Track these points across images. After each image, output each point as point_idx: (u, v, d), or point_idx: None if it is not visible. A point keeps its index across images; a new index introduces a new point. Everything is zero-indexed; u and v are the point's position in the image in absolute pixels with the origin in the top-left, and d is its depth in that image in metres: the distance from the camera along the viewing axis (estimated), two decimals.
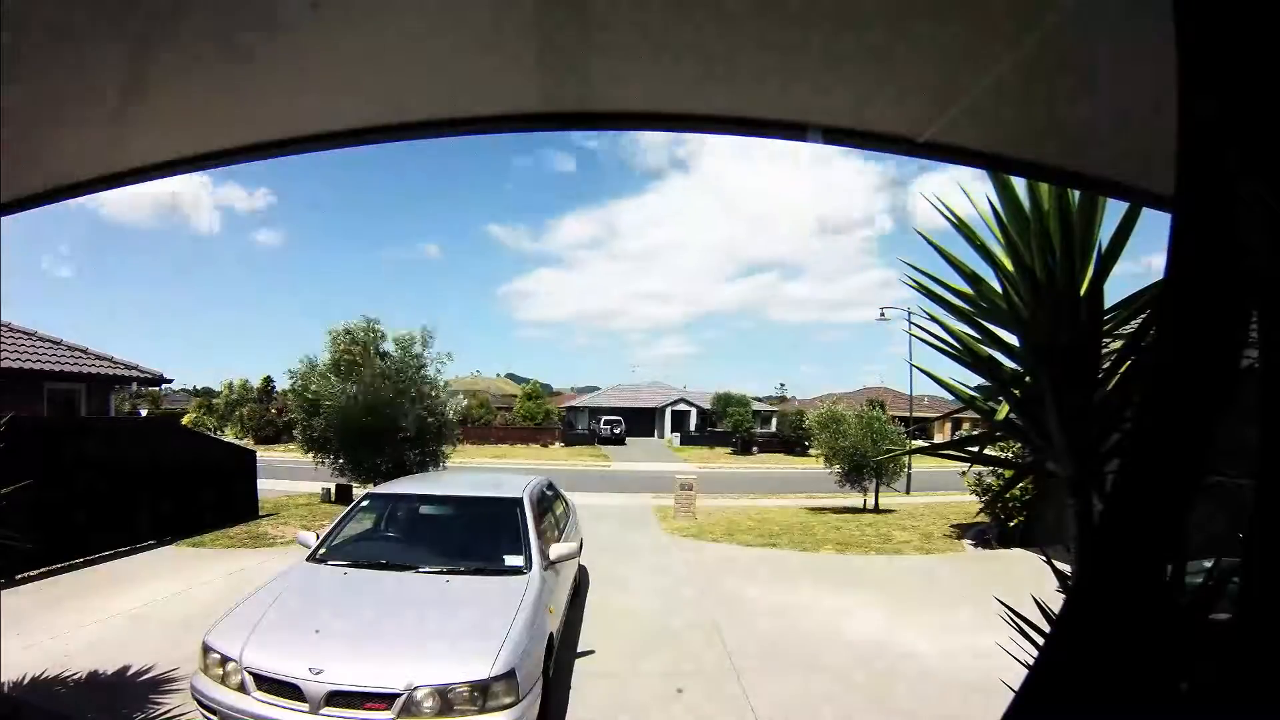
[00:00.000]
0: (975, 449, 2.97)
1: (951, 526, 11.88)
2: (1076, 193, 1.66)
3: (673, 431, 44.73)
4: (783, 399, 53.11)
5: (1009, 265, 1.83)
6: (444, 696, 3.16)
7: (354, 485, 12.75)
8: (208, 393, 44.79)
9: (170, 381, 14.68)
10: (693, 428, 45.19)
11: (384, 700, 3.14)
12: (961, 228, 1.92)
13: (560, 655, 4.60)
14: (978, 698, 4.00)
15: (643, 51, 1.17)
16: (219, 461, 11.28)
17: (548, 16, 1.09)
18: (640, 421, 44.52)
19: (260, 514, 11.59)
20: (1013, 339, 1.85)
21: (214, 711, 3.31)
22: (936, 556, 9.79)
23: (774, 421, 44.25)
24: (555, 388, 63.34)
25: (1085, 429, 1.62)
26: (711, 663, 5.23)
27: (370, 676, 3.20)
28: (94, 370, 12.10)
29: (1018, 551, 9.60)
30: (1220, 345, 0.64)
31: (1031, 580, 2.10)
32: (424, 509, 5.54)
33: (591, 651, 5.25)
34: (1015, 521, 10.29)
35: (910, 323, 2.85)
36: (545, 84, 1.28)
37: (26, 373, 10.61)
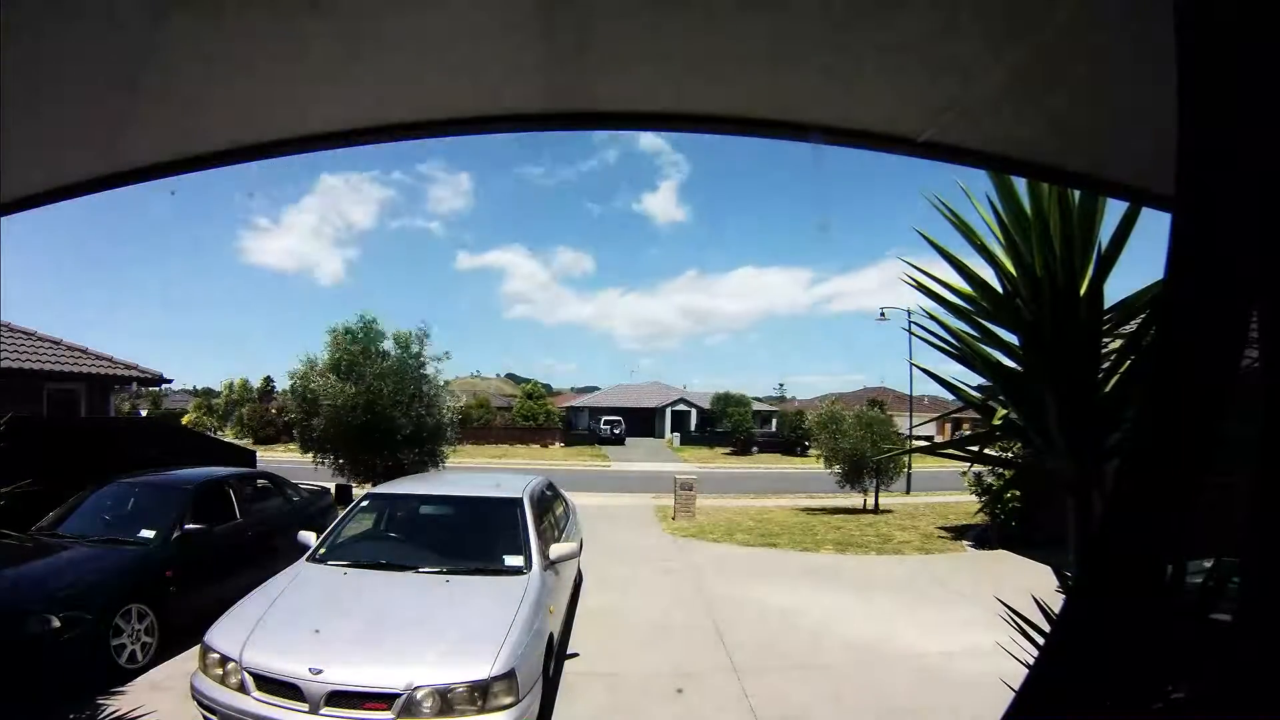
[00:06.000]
0: (975, 449, 2.96)
1: (946, 528, 11.86)
2: (1076, 193, 1.67)
3: (673, 431, 44.71)
4: (782, 399, 53.09)
5: (1009, 265, 1.83)
6: (444, 697, 3.16)
7: (353, 485, 12.74)
8: (208, 393, 44.79)
9: (170, 381, 14.66)
10: (693, 428, 45.18)
11: (384, 700, 3.14)
12: (961, 228, 1.92)
13: (560, 654, 4.59)
14: (977, 697, 4.00)
15: (643, 51, 1.17)
16: (219, 461, 11.25)
17: (548, 17, 1.09)
18: (640, 421, 44.50)
19: None
20: (1013, 339, 1.85)
21: (214, 711, 3.31)
22: (936, 556, 9.79)
23: (774, 422, 44.25)
24: (555, 388, 63.47)
25: (1085, 429, 1.62)
26: (712, 662, 5.23)
27: (370, 677, 3.21)
28: (94, 370, 12.08)
29: (1015, 552, 9.60)
30: (1220, 345, 0.64)
31: (1031, 580, 2.10)
32: (424, 509, 5.54)
33: (591, 651, 5.25)
34: (1015, 522, 10.28)
35: (911, 322, 2.85)
36: (546, 84, 1.28)
37: (26, 373, 10.59)
